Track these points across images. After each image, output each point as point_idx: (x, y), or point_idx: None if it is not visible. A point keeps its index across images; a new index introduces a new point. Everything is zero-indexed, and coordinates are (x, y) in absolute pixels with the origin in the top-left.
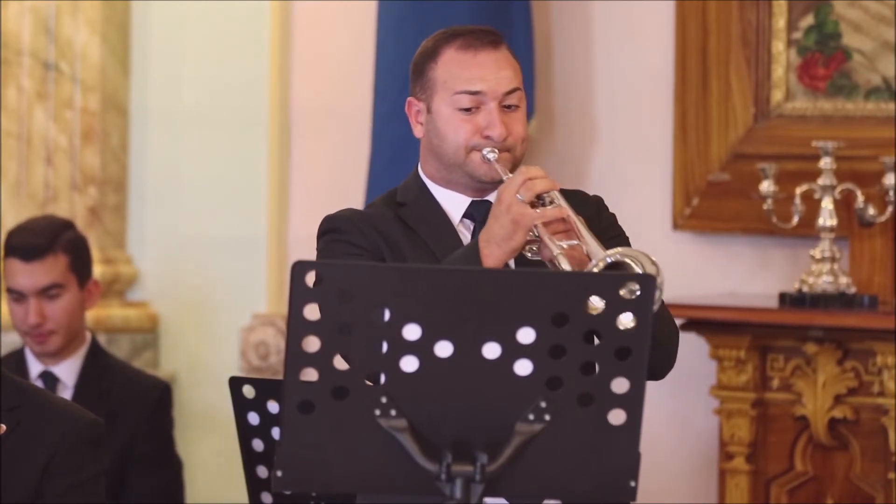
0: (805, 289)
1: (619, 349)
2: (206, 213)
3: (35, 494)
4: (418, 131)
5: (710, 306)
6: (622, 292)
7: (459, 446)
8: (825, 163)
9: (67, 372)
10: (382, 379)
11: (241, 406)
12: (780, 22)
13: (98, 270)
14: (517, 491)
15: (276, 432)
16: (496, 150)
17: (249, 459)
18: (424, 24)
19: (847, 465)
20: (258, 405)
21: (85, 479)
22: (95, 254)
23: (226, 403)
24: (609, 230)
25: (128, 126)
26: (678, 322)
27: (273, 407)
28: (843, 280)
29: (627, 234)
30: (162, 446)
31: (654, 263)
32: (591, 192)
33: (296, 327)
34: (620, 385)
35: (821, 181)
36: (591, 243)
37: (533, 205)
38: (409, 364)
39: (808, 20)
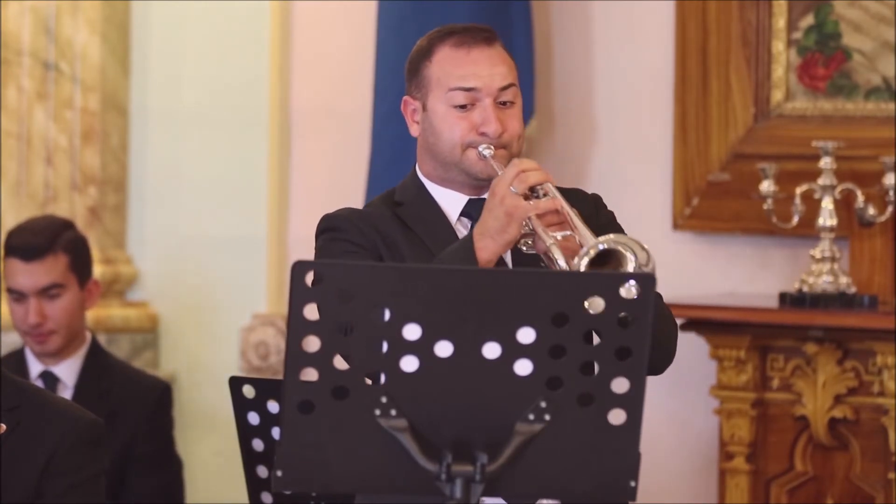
0: (805, 289)
1: (619, 349)
2: (206, 213)
3: (35, 494)
4: (414, 130)
5: (710, 306)
6: (622, 291)
7: (459, 446)
8: (825, 163)
9: (67, 372)
10: (382, 379)
11: (241, 406)
12: (780, 22)
13: (98, 270)
14: (517, 491)
15: (276, 432)
16: (492, 147)
17: (249, 459)
18: (424, 24)
19: (847, 465)
20: (258, 405)
21: (85, 479)
22: (95, 254)
23: (226, 403)
24: (608, 227)
25: (128, 126)
26: (678, 322)
27: (273, 407)
28: (843, 280)
29: (627, 233)
30: (162, 446)
31: (644, 249)
32: (590, 192)
33: (296, 327)
34: (620, 385)
35: (821, 181)
36: (584, 233)
37: (527, 197)
38: (409, 364)
39: (808, 20)
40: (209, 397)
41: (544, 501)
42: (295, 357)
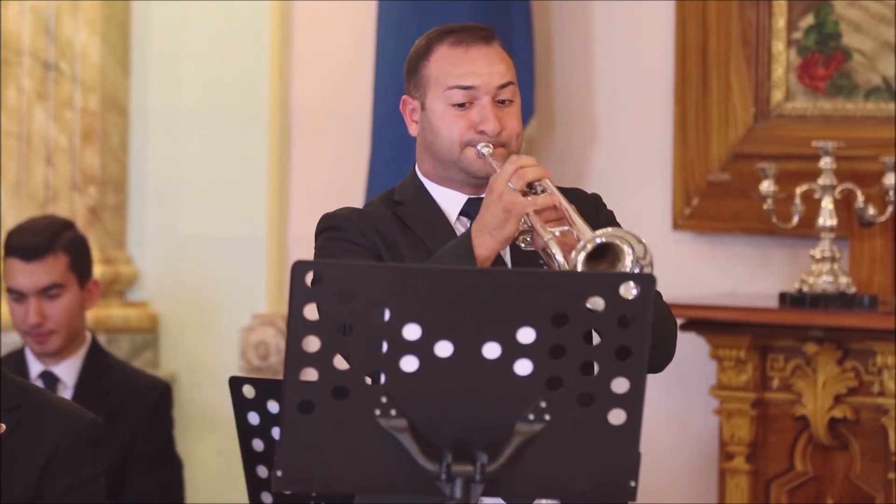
0: (805, 289)
1: (619, 349)
2: (206, 213)
3: (35, 494)
4: (413, 129)
5: (710, 306)
6: (622, 291)
7: (459, 446)
8: (825, 163)
9: (67, 372)
10: (382, 379)
11: (241, 406)
12: (780, 22)
13: (98, 270)
14: (517, 491)
15: (276, 432)
16: (491, 145)
17: (249, 459)
18: (424, 24)
19: (847, 465)
20: (258, 405)
21: (85, 479)
22: (95, 254)
23: (226, 403)
24: (608, 226)
25: (128, 126)
26: (678, 322)
27: (273, 407)
28: (843, 280)
29: None
30: (162, 446)
31: (641, 242)
32: (590, 192)
33: (296, 327)
34: (620, 385)
35: (821, 181)
36: (582, 228)
37: (525, 193)
38: (409, 364)
39: (808, 20)
40: (209, 397)
41: (543, 501)
42: (295, 357)
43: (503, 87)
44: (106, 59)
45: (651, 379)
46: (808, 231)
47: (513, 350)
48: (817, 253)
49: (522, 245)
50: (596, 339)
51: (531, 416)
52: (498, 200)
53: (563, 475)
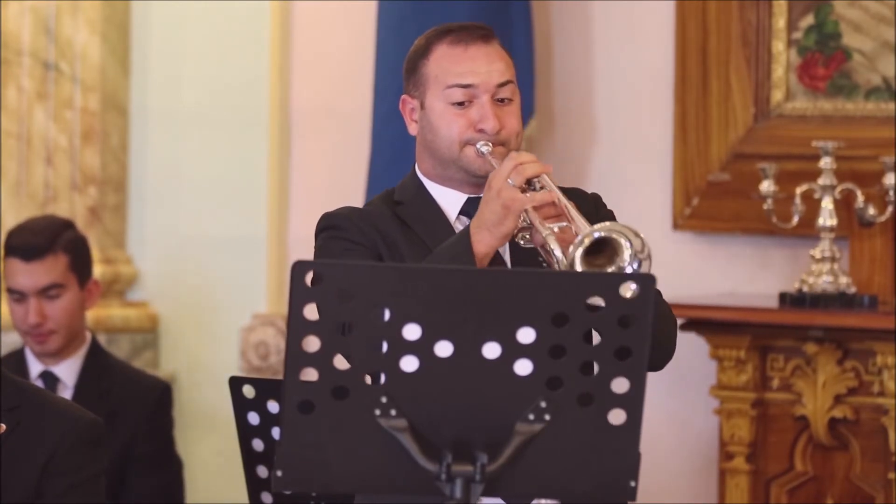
0: (805, 289)
1: (619, 349)
2: (206, 213)
3: (35, 494)
4: (412, 129)
5: (710, 306)
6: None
7: (459, 446)
8: (825, 163)
9: (67, 372)
10: (382, 379)
11: (241, 406)
12: (780, 22)
13: (98, 270)
14: (517, 491)
15: (276, 432)
16: (490, 144)
17: (249, 459)
18: (424, 24)
19: (847, 465)
20: (258, 405)
21: (85, 479)
22: (95, 254)
23: (226, 403)
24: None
25: (128, 126)
26: (678, 322)
27: (273, 407)
28: (843, 280)
29: None
30: (162, 446)
31: (639, 236)
32: (590, 192)
33: (296, 327)
34: (620, 385)
35: (821, 181)
36: (580, 223)
37: (523, 190)
38: (409, 364)
39: (808, 20)
40: (209, 397)
41: (543, 501)
42: (295, 357)
43: (502, 85)
44: (106, 59)
45: (651, 379)
46: (808, 231)
47: (513, 350)
48: (817, 253)
49: (521, 242)
50: (596, 338)
51: (531, 416)
52: (497, 197)
53: (563, 475)
